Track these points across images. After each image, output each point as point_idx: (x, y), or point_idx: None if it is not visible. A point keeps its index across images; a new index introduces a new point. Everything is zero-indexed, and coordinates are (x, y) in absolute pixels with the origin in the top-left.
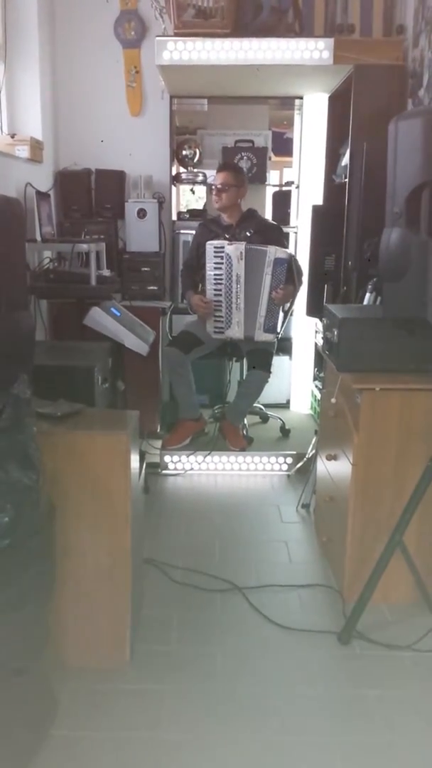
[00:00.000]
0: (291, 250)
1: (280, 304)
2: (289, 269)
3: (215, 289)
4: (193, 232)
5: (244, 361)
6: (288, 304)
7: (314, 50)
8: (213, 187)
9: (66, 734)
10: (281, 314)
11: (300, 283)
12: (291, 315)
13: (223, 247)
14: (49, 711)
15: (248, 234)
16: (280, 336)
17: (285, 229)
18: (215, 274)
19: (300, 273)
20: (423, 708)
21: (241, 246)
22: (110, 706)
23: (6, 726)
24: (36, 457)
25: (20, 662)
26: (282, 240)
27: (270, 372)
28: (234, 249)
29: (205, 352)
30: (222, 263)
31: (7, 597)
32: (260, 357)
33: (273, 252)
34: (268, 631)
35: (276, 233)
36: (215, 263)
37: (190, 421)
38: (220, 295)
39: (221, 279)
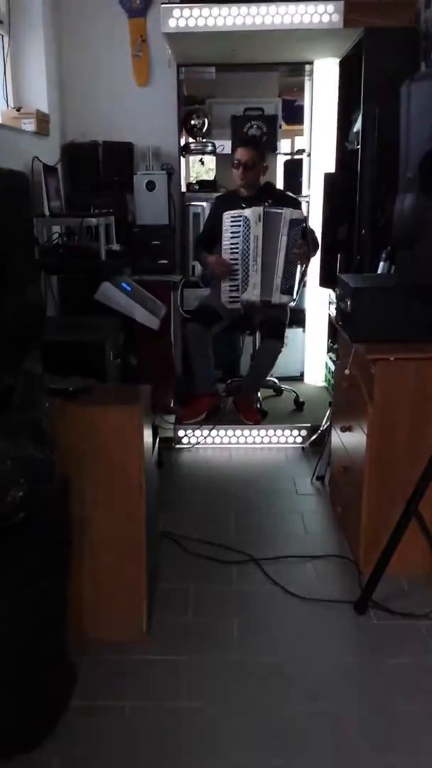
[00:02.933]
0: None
1: (298, 263)
2: (303, 230)
3: (231, 259)
4: (203, 203)
5: (257, 334)
6: (303, 267)
7: (324, 14)
8: (236, 162)
9: (86, 704)
10: (297, 278)
11: (315, 247)
12: (304, 286)
13: (240, 215)
14: (70, 682)
15: (267, 204)
16: (296, 301)
17: (297, 199)
18: (232, 243)
19: (314, 237)
20: None
21: (259, 209)
22: (129, 677)
23: (27, 697)
24: (49, 432)
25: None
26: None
27: (283, 342)
28: (252, 212)
29: (224, 325)
30: (239, 230)
31: (24, 570)
32: (272, 327)
33: (288, 213)
34: (285, 602)
35: (293, 204)
36: (232, 232)
37: (206, 395)
38: (237, 261)
39: (237, 246)
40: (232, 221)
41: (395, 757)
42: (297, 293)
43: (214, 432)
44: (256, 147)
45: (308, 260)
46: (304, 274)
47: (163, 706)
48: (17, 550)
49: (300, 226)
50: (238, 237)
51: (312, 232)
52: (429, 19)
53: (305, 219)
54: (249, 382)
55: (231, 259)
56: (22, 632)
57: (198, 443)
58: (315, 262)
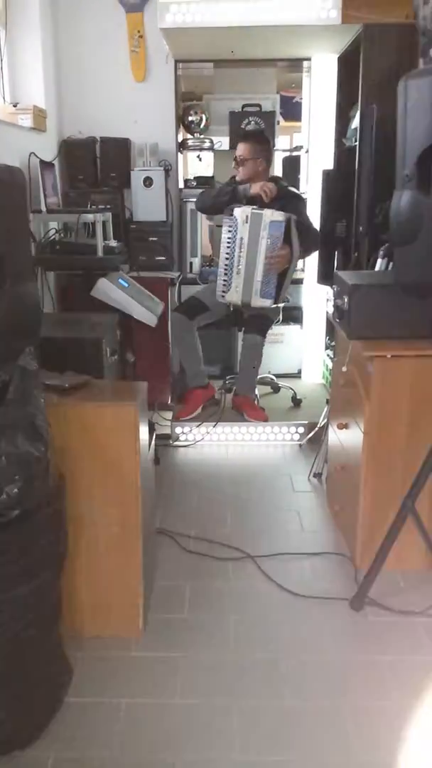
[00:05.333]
0: None
1: (274, 270)
2: (286, 232)
3: (226, 254)
4: None
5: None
6: (290, 268)
7: (321, 9)
8: (234, 158)
9: (81, 701)
10: (279, 280)
11: (306, 246)
12: (293, 280)
13: (233, 211)
14: (65, 679)
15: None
16: (281, 303)
17: (302, 195)
18: (228, 239)
19: (308, 234)
20: None
21: (248, 209)
22: (124, 674)
23: (22, 694)
24: (44, 428)
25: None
26: (302, 210)
27: (264, 336)
28: (241, 211)
29: (211, 319)
30: (232, 227)
31: (20, 566)
32: (256, 322)
33: (269, 215)
34: (281, 599)
35: (296, 202)
36: (229, 226)
37: (198, 389)
38: (229, 258)
39: (231, 242)
40: (227, 218)
41: (390, 753)
42: (280, 296)
43: (211, 429)
44: (253, 142)
45: (289, 263)
46: (290, 273)
47: (158, 703)
48: (12, 547)
49: (281, 228)
50: (231, 233)
51: (308, 227)
52: (427, 15)
53: (288, 220)
54: (241, 380)
55: (225, 257)
56: (16, 629)
57: (195, 440)
58: (313, 259)
